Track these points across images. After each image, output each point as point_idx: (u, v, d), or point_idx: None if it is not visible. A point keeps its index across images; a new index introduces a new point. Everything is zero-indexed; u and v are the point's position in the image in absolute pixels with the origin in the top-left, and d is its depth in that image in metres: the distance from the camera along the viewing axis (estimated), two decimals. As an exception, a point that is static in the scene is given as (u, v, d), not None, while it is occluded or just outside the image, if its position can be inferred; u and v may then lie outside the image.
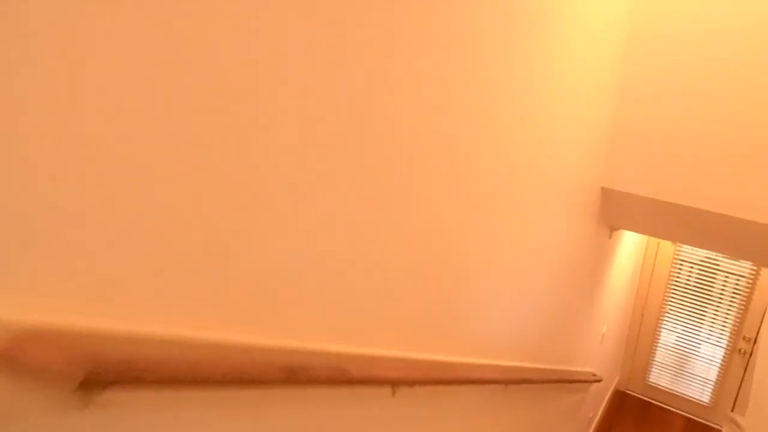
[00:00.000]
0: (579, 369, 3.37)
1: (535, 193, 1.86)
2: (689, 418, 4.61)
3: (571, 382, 3.14)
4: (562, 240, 2.36)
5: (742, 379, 4.28)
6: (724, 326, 4.23)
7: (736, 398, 4.34)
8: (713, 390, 4.44)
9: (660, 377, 4.69)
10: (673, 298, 4.38)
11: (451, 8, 1.06)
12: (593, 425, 4.38)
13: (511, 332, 2.13)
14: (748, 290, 4.03)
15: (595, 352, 3.65)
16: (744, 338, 4.16)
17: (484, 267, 1.64)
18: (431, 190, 1.19)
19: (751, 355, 4.16)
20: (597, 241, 2.90)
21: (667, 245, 4.33)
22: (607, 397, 4.68)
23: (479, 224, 1.51)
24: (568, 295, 2.70)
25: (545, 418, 3.08)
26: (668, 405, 4.73)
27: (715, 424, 4.54)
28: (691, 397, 4.58)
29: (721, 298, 4.18)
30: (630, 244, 3.81)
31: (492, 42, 1.26)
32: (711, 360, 4.37)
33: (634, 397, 4.85)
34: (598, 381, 3.64)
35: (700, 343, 4.39)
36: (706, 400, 4.51)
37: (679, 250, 4.30)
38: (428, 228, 1.24)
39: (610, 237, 3.10)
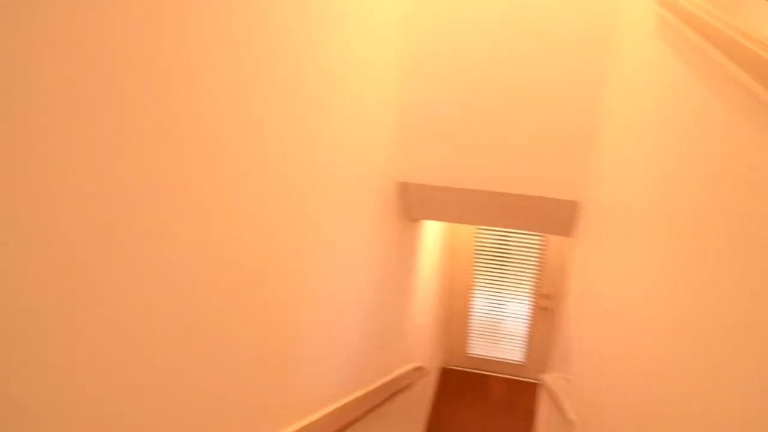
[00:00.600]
0: (407, 368, 3.22)
1: (331, 203, 1.52)
2: (507, 379, 4.85)
3: (401, 389, 2.96)
4: (370, 245, 2.09)
5: (548, 335, 4.61)
6: (525, 289, 4.47)
7: (545, 354, 4.67)
8: (525, 349, 4.71)
9: (478, 347, 4.85)
10: (479, 272, 4.51)
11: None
12: (426, 410, 4.35)
13: (338, 366, 1.80)
14: (541, 254, 4.29)
15: (417, 344, 3.54)
16: (544, 296, 4.45)
17: (297, 304, 1.28)
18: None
19: (552, 310, 4.47)
20: (402, 236, 2.70)
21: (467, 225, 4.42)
22: (434, 379, 4.70)
23: (281, 257, 1.14)
24: (384, 298, 2.46)
25: (384, 427, 2.87)
26: (489, 371, 4.93)
27: (529, 379, 4.85)
28: (506, 359, 4.82)
29: (519, 266, 4.40)
30: (433, 231, 3.77)
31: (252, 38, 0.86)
32: (519, 322, 4.61)
33: (458, 371, 4.96)
34: (425, 373, 3.54)
35: (507, 309, 4.60)
36: (520, 359, 4.79)
37: (478, 228, 4.42)
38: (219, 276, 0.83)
39: (413, 228, 2.95)
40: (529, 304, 4.54)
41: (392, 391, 2.80)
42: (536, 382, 4.83)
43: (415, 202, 2.70)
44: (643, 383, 1.15)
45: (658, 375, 1.05)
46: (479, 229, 4.39)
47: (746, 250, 0.74)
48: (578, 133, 2.29)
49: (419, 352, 3.65)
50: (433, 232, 3.78)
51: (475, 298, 4.64)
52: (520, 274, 4.43)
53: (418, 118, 2.40)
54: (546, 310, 4.50)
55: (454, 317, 4.79)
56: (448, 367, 5.01)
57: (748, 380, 0.70)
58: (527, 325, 4.62)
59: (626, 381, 1.31)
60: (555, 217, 2.63)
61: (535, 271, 4.38)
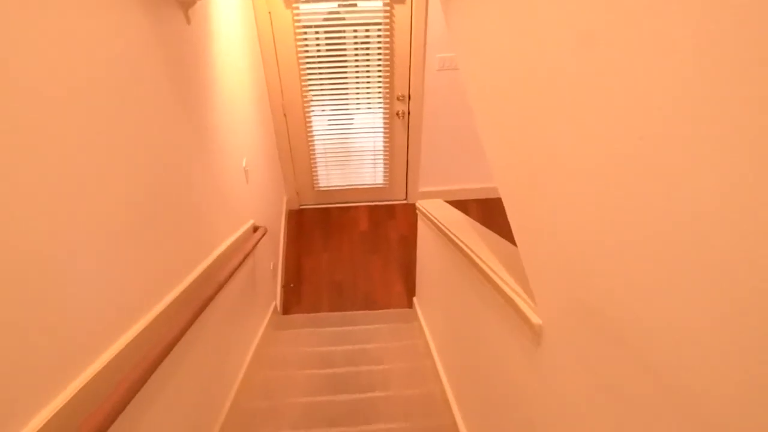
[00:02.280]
0: (239, 233, 2.26)
1: None
2: (371, 206, 4.16)
3: (241, 261, 2.03)
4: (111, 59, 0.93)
5: (408, 144, 3.84)
6: (374, 94, 3.55)
7: (407, 167, 3.95)
8: (385, 169, 3.96)
9: (329, 179, 4.00)
10: (311, 82, 3.44)
11: None
12: (279, 267, 3.54)
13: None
14: (388, 41, 3.30)
15: (246, 195, 2.55)
16: (398, 98, 3.58)
17: None
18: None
19: (409, 114, 3.65)
20: (172, 38, 1.52)
21: (281, 17, 3.19)
22: (283, 228, 3.84)
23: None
24: (168, 144, 1.37)
25: (235, 317, 1.99)
26: (348, 202, 4.17)
27: (395, 200, 4.19)
28: (366, 184, 4.06)
29: (361, 60, 3.40)
30: (229, 26, 2.53)
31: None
32: (373, 136, 3.77)
33: (310, 210, 4.14)
34: (264, 231, 2.62)
35: (355, 124, 3.70)
36: (382, 181, 4.05)
37: (298, 16, 3.22)
38: None
39: (189, 22, 1.73)
40: (381, 113, 3.66)
41: (230, 267, 1.88)
42: (404, 202, 4.19)
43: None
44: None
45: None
46: (300, 28, 3.22)
47: None
48: None
49: (251, 203, 2.68)
50: (234, 34, 2.56)
51: (312, 115, 3.64)
52: (363, 73, 3.46)
53: None
54: (402, 116, 3.67)
55: (293, 143, 3.80)
56: (300, 207, 4.15)
57: None
58: (383, 140, 3.79)
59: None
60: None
61: (382, 66, 3.43)
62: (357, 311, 3.28)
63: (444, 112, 3.65)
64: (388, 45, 3.32)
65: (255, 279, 2.67)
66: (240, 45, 2.62)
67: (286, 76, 3.42)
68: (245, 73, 2.70)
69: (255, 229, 2.62)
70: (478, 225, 2.15)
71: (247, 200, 2.53)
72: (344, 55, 3.36)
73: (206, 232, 1.78)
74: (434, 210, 2.49)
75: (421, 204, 2.63)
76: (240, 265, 2.09)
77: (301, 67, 3.39)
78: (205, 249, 1.76)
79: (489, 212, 4.09)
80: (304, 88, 3.48)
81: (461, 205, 4.17)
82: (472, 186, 4.14)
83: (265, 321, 2.90)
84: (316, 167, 3.91)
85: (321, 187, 4.05)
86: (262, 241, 2.86)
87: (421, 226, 2.72)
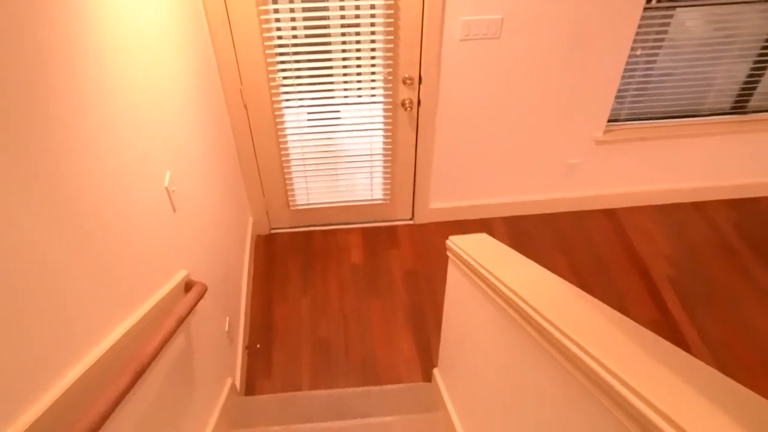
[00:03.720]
0: (150, 302, 1.29)
1: None
2: (366, 229, 3.18)
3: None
4: None
5: (416, 145, 2.87)
6: (370, 76, 2.57)
7: (414, 176, 2.98)
8: (385, 179, 2.98)
9: (308, 193, 3.01)
10: (282, 60, 2.46)
11: None
12: (241, 319, 2.55)
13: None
14: (390, 13, 2.34)
15: (172, 231, 1.57)
16: (405, 81, 2.60)
17: None
18: None
19: (419, 105, 2.68)
20: None
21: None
22: (247, 263, 2.84)
23: None
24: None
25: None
26: (335, 224, 3.19)
27: (399, 221, 3.22)
28: (359, 200, 3.08)
29: (351, 28, 2.42)
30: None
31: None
32: (368, 135, 2.79)
33: (285, 236, 3.15)
34: (199, 293, 1.61)
35: (344, 116, 2.72)
36: (381, 196, 3.08)
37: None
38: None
39: None
40: (381, 104, 2.69)
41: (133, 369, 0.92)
42: (410, 223, 3.22)
43: None
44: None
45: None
46: (265, 12, 2.24)
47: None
48: None
49: (188, 245, 1.71)
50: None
51: (285, 110, 2.66)
52: (353, 46, 2.48)
53: None
54: (410, 107, 2.70)
55: (258, 148, 2.81)
56: (271, 232, 3.16)
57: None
58: (383, 140, 2.82)
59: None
60: None
61: (383, 36, 2.46)
62: (352, 388, 2.30)
63: (466, 99, 2.69)
64: (391, 4, 2.35)
65: (193, 358, 1.68)
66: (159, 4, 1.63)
67: (245, 49, 2.43)
68: (172, 47, 1.71)
69: (188, 286, 1.63)
70: (577, 290, 1.19)
71: (173, 239, 1.55)
72: (327, 22, 2.38)
73: (68, 325, 0.80)
74: (480, 254, 1.53)
75: (456, 242, 1.67)
76: (157, 354, 1.12)
77: (266, 37, 2.40)
78: (62, 354, 0.79)
79: (519, 233, 3.15)
80: (272, 69, 2.50)
81: (484, 225, 3.21)
82: (498, 200, 3.19)
83: (215, 415, 1.91)
84: (291, 178, 2.92)
85: (298, 204, 3.06)
86: (212, 292, 1.87)
87: (455, 275, 1.75)
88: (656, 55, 2.76)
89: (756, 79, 2.92)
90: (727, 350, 2.60)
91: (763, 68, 2.89)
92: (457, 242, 1.68)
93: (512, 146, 2.93)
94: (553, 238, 3.13)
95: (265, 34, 2.38)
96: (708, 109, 3.03)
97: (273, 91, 2.56)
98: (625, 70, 2.76)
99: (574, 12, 2.46)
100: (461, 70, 2.58)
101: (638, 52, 2.72)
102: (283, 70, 2.51)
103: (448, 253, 1.78)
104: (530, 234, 3.15)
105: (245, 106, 2.60)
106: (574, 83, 2.71)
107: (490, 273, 1.39)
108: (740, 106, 3.04)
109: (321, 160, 2.87)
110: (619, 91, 2.86)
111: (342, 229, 3.18)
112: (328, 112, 2.68)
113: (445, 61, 2.54)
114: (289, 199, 3.02)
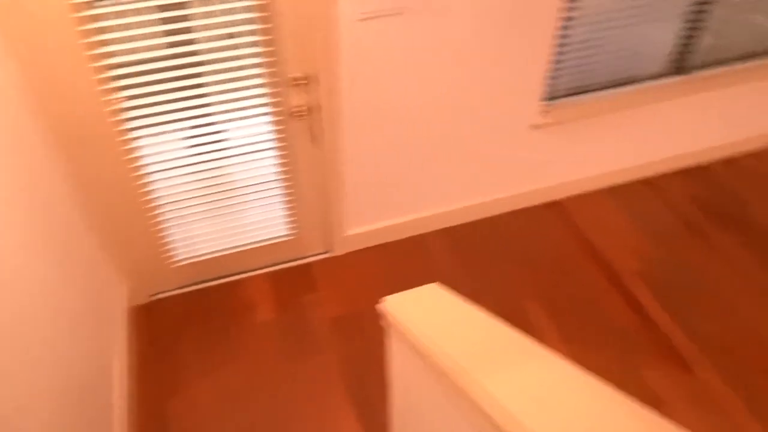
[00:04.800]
0: None
1: None
2: (273, 274, 2.56)
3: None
4: None
5: (322, 162, 2.28)
6: (246, 80, 1.95)
7: (324, 200, 2.39)
8: (289, 209, 2.37)
9: (192, 242, 2.35)
10: (121, 74, 1.78)
11: None
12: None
13: None
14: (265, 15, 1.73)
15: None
16: (294, 83, 2.00)
17: None
18: None
19: (318, 110, 2.09)
20: None
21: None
22: (121, 352, 2.15)
23: None
24: None
25: None
26: (233, 274, 2.54)
27: (312, 256, 2.62)
28: (259, 240, 2.45)
29: (214, 19, 1.79)
30: None
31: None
32: (257, 156, 2.17)
33: (171, 300, 2.46)
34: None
35: (222, 135, 2.08)
36: (285, 231, 2.46)
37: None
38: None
39: None
40: (268, 116, 2.08)
41: None
42: (326, 257, 2.63)
43: None
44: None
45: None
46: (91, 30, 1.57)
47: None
48: None
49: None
50: None
51: (140, 138, 1.98)
52: (219, 43, 1.85)
53: None
54: (306, 115, 2.11)
55: (107, 191, 2.11)
56: (151, 299, 2.45)
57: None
58: (277, 160, 2.21)
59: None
60: None
61: (255, 24, 1.85)
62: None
63: (378, 97, 2.14)
64: (266, 18, 1.75)
65: None
66: None
67: (66, 81, 1.73)
68: None
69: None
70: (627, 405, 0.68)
71: None
72: (182, 10, 1.73)
73: None
74: (440, 334, 0.98)
75: (395, 311, 1.11)
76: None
77: (93, 56, 1.71)
78: None
79: (463, 247, 2.65)
80: (107, 84, 1.81)
81: (419, 244, 2.68)
82: (431, 211, 2.67)
83: None
84: (166, 227, 2.24)
85: (182, 258, 2.38)
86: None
87: (402, 359, 1.19)
88: (587, 24, 2.33)
89: (692, 34, 2.58)
90: (726, 352, 2.23)
91: (699, 22, 2.55)
92: (396, 310, 1.12)
93: (439, 146, 2.41)
94: (503, 247, 2.66)
95: (92, 36, 1.69)
96: (649, 74, 2.67)
97: (115, 116, 1.88)
98: (559, 45, 2.31)
99: (492, -29, 1.97)
100: (367, 60, 2.02)
101: (569, 22, 2.27)
102: (124, 80, 1.83)
103: (383, 323, 1.22)
104: (476, 246, 2.66)
105: (82, 150, 1.90)
106: (499, 64, 2.23)
107: (469, 378, 0.84)
108: (681, 66, 2.70)
109: (202, 198, 2.21)
110: (554, 69, 2.41)
111: (244, 279, 2.53)
112: (199, 135, 2.03)
113: (345, 49, 1.97)
114: (168, 253, 2.34)
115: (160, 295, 2.47)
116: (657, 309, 2.40)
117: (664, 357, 2.24)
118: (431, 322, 0.97)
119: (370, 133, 2.26)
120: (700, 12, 2.52)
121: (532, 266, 2.58)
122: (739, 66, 2.79)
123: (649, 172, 3.04)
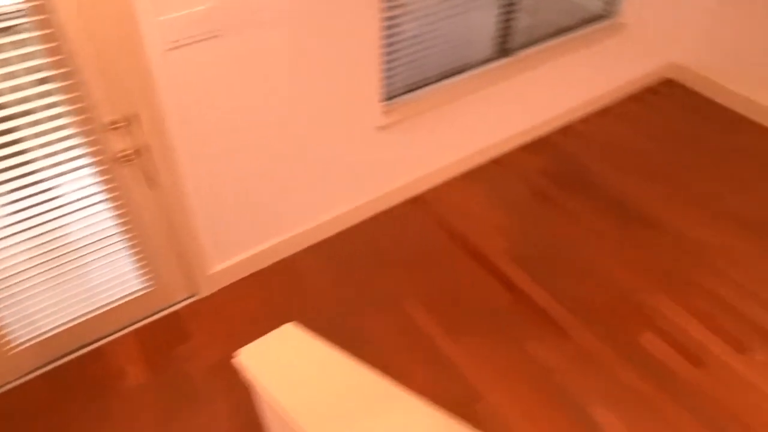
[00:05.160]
0: None
1: None
2: (138, 332, 2.34)
3: None
4: None
5: (163, 202, 2.11)
6: (58, 130, 1.74)
7: (176, 241, 2.22)
8: (138, 260, 2.17)
9: (31, 320, 2.07)
10: None
11: None
12: None
13: None
14: (43, 17, 1.53)
15: None
16: (112, 127, 1.82)
17: None
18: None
19: (147, 151, 1.92)
20: None
21: None
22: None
23: None
24: None
25: None
26: (92, 342, 2.29)
27: (178, 304, 2.44)
28: (113, 301, 2.23)
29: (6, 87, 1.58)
30: None
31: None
32: (92, 216, 1.96)
33: (16, 392, 2.16)
34: None
35: (45, 195, 1.85)
36: (140, 284, 2.26)
37: None
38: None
39: None
40: (90, 166, 1.88)
41: None
42: (194, 300, 2.46)
43: None
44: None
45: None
46: None
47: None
48: None
49: None
50: None
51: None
52: (14, 93, 1.64)
53: None
54: (135, 158, 1.94)
55: None
56: (-5, 392, 2.15)
57: None
58: (112, 212, 2.01)
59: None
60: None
61: (54, 69, 1.65)
62: None
63: (212, 124, 2.02)
64: (46, 22, 1.55)
65: None
66: None
67: None
68: None
69: None
70: None
71: None
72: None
73: None
74: (296, 392, 0.91)
75: (250, 366, 1.02)
76: None
77: None
78: None
79: (336, 262, 2.60)
80: None
81: (289, 266, 2.59)
82: (299, 229, 2.60)
83: None
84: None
85: (22, 341, 2.10)
86: None
87: (270, 416, 1.10)
88: (412, 20, 2.37)
89: (510, 17, 2.73)
90: (593, 310, 2.38)
91: (515, 5, 2.70)
92: (251, 364, 1.04)
93: (290, 162, 2.34)
94: (374, 252, 2.64)
95: None
96: (478, 61, 2.78)
97: None
98: (387, 44, 2.33)
99: (305, -19, 1.92)
100: (191, 89, 1.89)
101: (393, 21, 2.30)
102: None
103: (243, 379, 1.13)
104: (347, 257, 2.62)
105: None
106: (330, 71, 2.20)
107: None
108: (505, 49, 2.84)
109: (36, 269, 1.95)
110: (387, 69, 2.42)
111: (105, 345, 2.29)
112: (22, 198, 1.78)
113: (164, 84, 1.82)
114: (4, 339, 2.05)
115: (2, 389, 2.16)
116: (528, 282, 2.52)
117: (542, 327, 2.34)
118: (286, 374, 0.90)
119: (212, 163, 2.12)
120: (512, -4, 2.67)
121: (406, 265, 2.59)
122: (555, 41, 3.01)
123: (497, 152, 3.19)
